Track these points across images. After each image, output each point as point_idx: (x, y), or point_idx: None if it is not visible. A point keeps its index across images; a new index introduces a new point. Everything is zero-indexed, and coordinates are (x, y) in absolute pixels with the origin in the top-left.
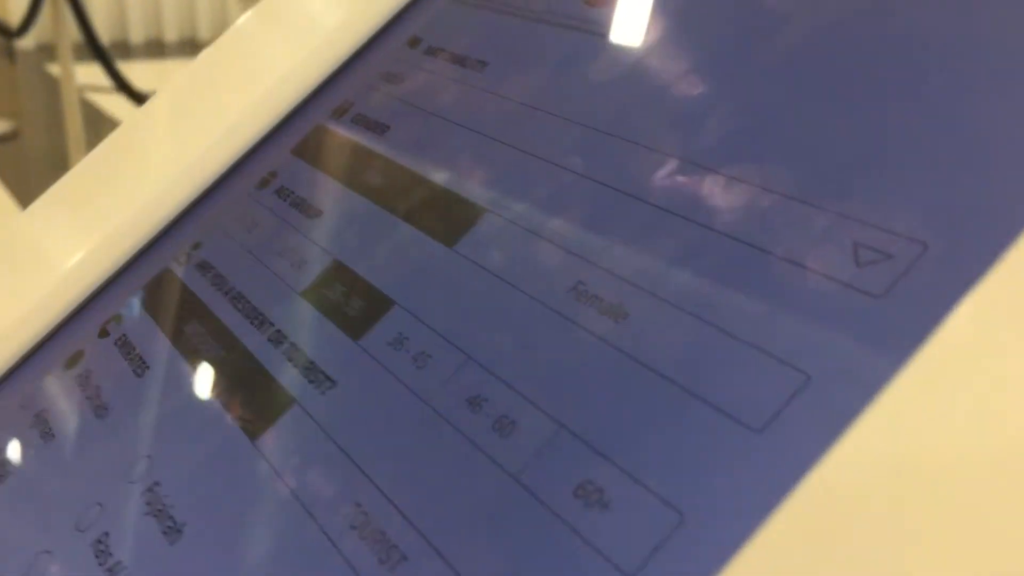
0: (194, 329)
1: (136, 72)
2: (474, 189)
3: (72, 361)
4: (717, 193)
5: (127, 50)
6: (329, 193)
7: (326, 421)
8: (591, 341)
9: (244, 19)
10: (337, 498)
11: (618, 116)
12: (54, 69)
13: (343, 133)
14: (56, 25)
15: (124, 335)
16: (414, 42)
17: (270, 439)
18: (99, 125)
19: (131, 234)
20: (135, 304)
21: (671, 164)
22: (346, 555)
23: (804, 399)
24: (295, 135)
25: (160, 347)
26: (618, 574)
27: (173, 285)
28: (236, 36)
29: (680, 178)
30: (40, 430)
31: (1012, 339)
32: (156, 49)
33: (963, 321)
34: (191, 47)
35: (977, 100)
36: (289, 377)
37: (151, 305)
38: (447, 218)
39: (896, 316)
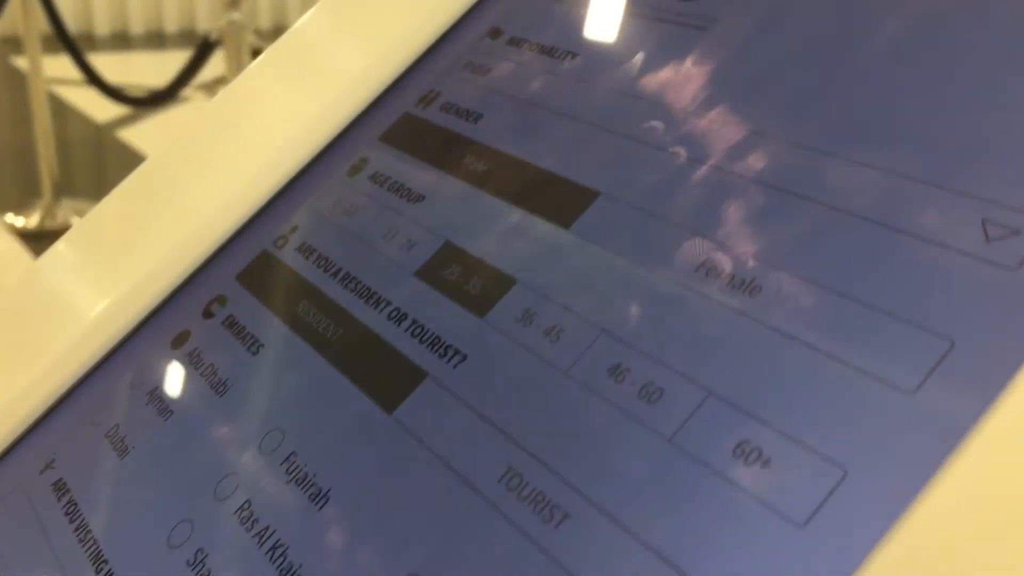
0: (305, 308)
1: (102, 65)
2: (583, 174)
3: (178, 341)
4: (839, 176)
5: (92, 42)
6: (428, 177)
7: (464, 392)
8: (725, 312)
9: (319, 8)
10: (489, 462)
11: (725, 100)
12: (19, 62)
13: (433, 121)
14: (25, 17)
15: (231, 315)
16: (495, 33)
17: (406, 410)
18: (66, 118)
19: (225, 219)
20: (238, 286)
21: (782, 149)
22: (506, 514)
23: (950, 364)
24: (381, 123)
25: (272, 326)
26: (788, 524)
27: (275, 267)
28: (311, 26)
29: (791, 161)
30: (157, 407)
31: None
32: (121, 42)
33: None
34: (157, 39)
35: None
36: (417, 352)
37: (254, 286)
38: (559, 201)
39: None
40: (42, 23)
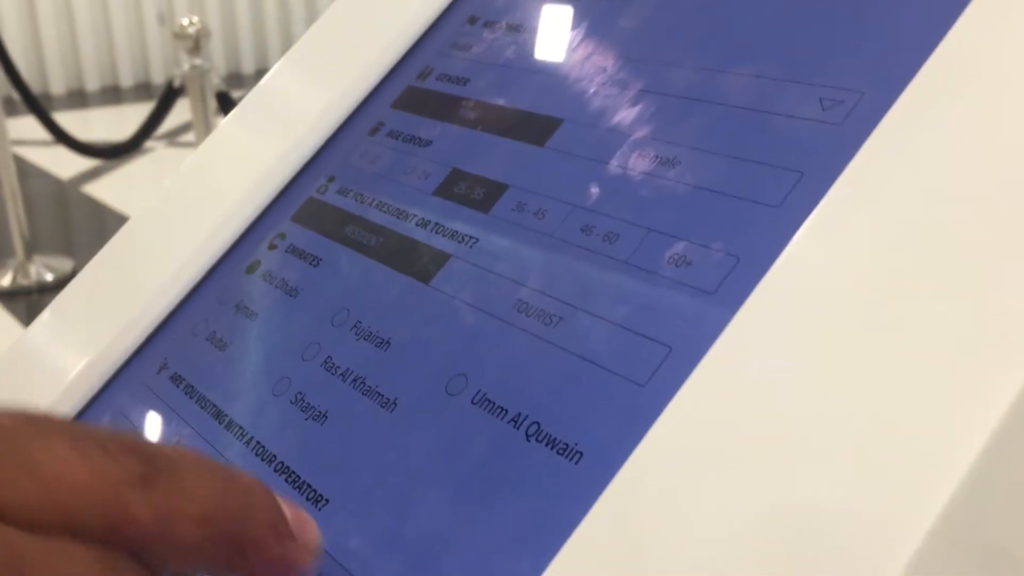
0: (350, 230)
1: (61, 123)
2: (549, 108)
3: (252, 268)
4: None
5: (50, 101)
6: (433, 128)
7: (480, 261)
8: (659, 183)
9: (333, 14)
10: (503, 299)
11: (641, 46)
12: None
13: (431, 88)
14: None
15: (291, 244)
16: (473, 20)
17: (440, 279)
18: (30, 177)
19: (275, 177)
20: (292, 224)
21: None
22: (520, 326)
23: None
24: (391, 95)
25: (325, 245)
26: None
27: (321, 207)
28: (326, 30)
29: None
30: (244, 313)
31: None
32: (78, 99)
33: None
34: (113, 94)
35: None
36: (441, 242)
37: (307, 221)
38: (533, 129)
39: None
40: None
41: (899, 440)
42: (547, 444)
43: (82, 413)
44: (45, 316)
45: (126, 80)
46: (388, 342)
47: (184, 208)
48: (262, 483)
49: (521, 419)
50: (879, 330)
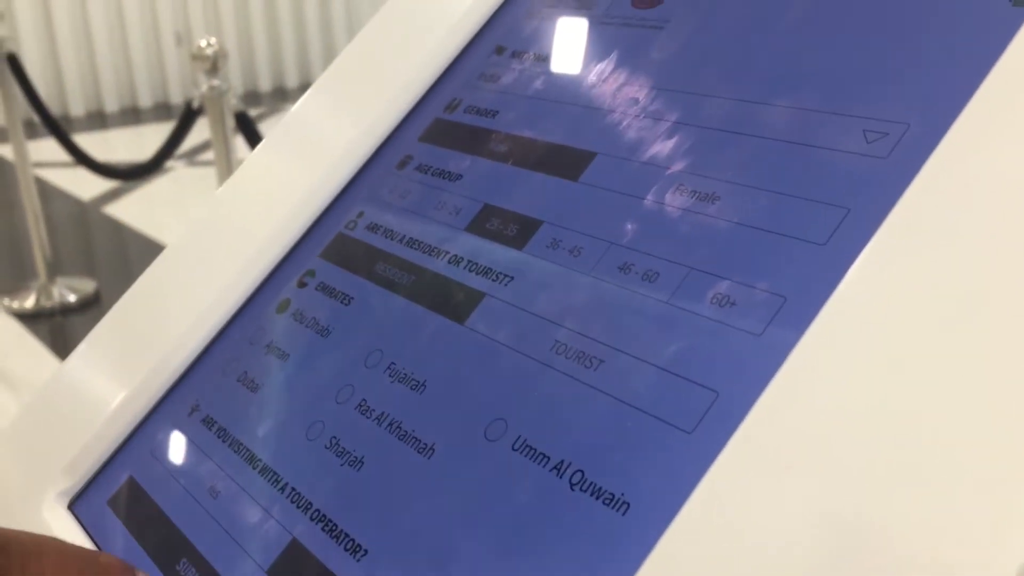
0: (381, 267)
1: (81, 144)
2: (582, 141)
3: (282, 307)
4: (767, 115)
5: (70, 123)
6: (462, 162)
7: (515, 300)
8: (701, 219)
9: (358, 45)
10: (539, 340)
11: (679, 77)
12: (2, 149)
13: (459, 121)
14: (6, 105)
15: (321, 282)
16: (500, 50)
17: (475, 319)
18: (52, 200)
19: (304, 213)
20: (322, 261)
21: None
22: (558, 368)
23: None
24: (419, 128)
25: (356, 283)
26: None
27: (350, 243)
28: (352, 62)
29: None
30: (275, 354)
31: None
32: (97, 120)
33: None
34: (132, 114)
35: None
36: (475, 281)
37: (337, 258)
38: (567, 163)
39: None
40: (22, 110)
41: (969, 488)
42: (592, 494)
43: (115, 455)
44: (78, 357)
45: (145, 101)
46: (424, 384)
47: (214, 243)
48: (124, 563)
49: (564, 466)
50: (934, 373)
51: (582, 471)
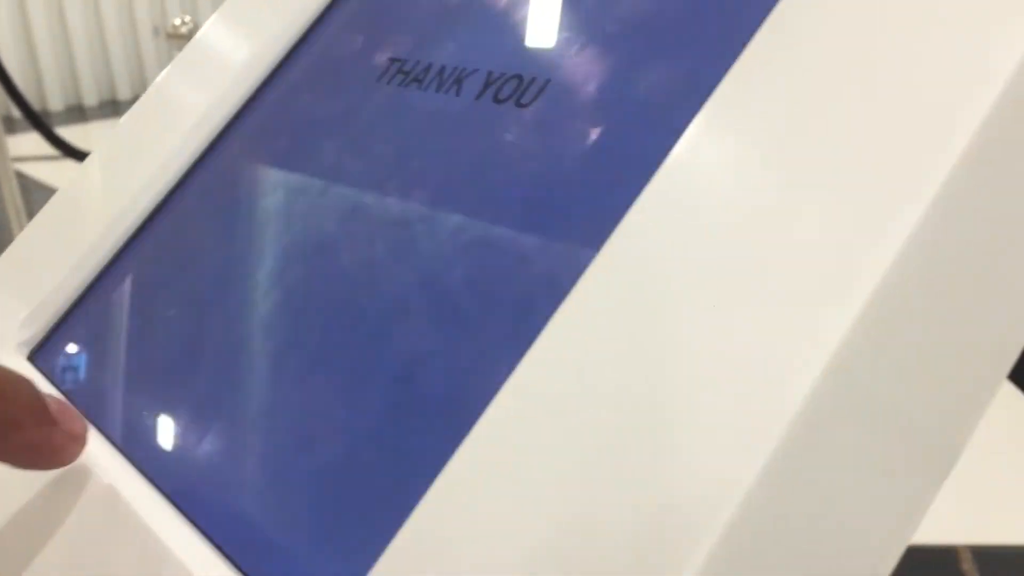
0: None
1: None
2: None
3: None
4: None
5: (49, 118)
6: None
7: None
8: None
9: None
10: None
11: None
12: None
13: None
14: None
15: None
16: None
17: None
18: (32, 193)
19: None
20: None
21: None
22: None
23: None
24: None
25: None
26: None
27: None
28: None
29: None
30: None
31: None
32: (77, 114)
33: None
34: (112, 107)
35: None
36: None
37: None
38: None
39: None
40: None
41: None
42: None
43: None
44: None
45: (124, 93)
46: None
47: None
48: (27, 378)
49: None
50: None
51: None
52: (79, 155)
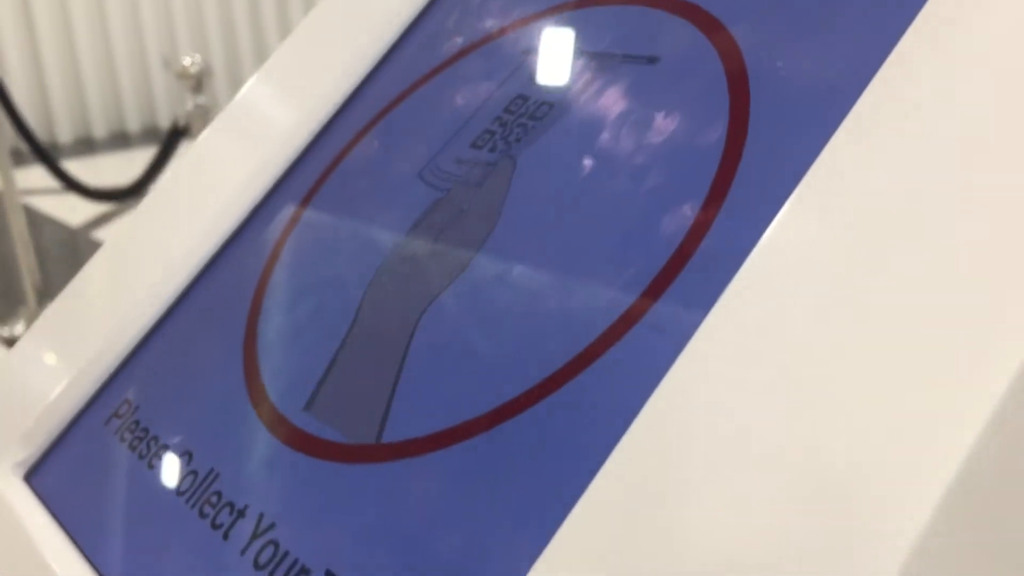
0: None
1: (70, 171)
2: None
3: None
4: None
5: (57, 150)
6: None
7: None
8: None
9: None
10: None
11: None
12: None
13: None
14: None
15: None
16: None
17: None
18: (39, 226)
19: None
20: None
21: None
22: None
23: None
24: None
25: None
26: None
27: None
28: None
29: None
30: None
31: None
32: (85, 146)
33: None
34: (121, 139)
35: None
36: None
37: None
38: None
39: None
40: (9, 138)
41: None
42: None
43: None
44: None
45: (133, 125)
46: None
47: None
48: None
49: None
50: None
51: None
52: (84, 190)
